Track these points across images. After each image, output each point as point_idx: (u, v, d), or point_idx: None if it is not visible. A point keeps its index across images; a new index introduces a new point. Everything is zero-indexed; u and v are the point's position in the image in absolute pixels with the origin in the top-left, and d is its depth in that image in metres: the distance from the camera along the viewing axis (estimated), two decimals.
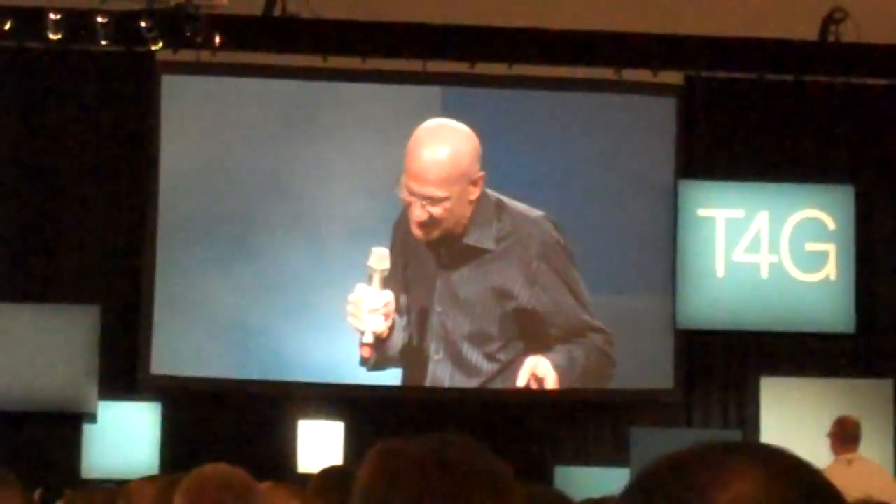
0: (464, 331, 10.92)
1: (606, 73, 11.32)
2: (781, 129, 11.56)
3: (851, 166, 11.54)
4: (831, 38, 11.27)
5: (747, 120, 11.54)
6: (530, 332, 10.95)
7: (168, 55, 11.01)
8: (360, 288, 10.60)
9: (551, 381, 10.87)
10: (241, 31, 10.97)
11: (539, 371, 10.86)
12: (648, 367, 11.20)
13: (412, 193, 10.67)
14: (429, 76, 11.23)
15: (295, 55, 11.16)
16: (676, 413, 11.29)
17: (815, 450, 9.10)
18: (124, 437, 10.69)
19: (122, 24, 10.68)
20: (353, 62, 11.17)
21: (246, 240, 11.06)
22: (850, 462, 8.92)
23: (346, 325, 10.66)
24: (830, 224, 11.34)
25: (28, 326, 10.70)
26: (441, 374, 10.92)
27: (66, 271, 11.07)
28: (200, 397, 10.95)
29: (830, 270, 11.31)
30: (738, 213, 11.30)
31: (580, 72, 11.34)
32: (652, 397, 11.23)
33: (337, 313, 10.68)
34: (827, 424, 9.30)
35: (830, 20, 11.22)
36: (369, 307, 10.56)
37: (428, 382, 10.93)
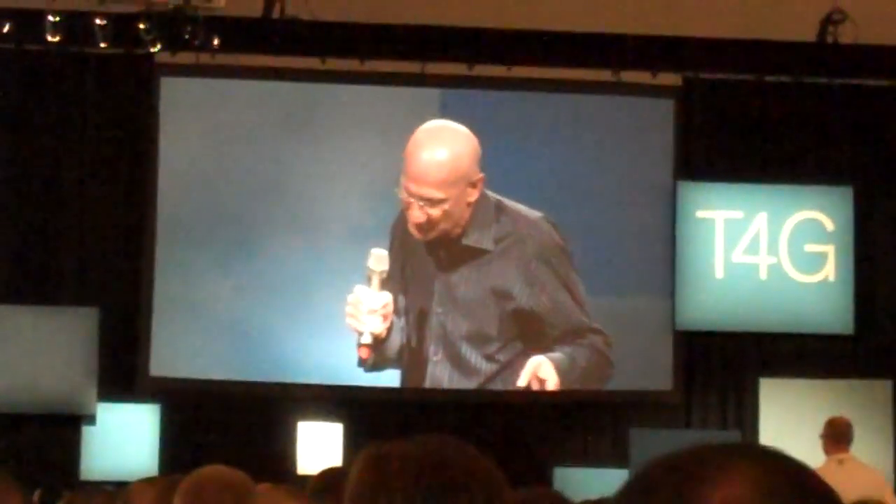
0: (462, 331, 10.92)
1: (605, 75, 11.32)
2: (780, 131, 11.56)
3: (850, 167, 11.55)
4: (830, 40, 11.27)
5: (746, 121, 11.55)
6: (529, 333, 10.96)
7: (167, 57, 11.01)
8: (359, 289, 10.60)
9: (553, 383, 10.87)
10: (240, 33, 10.98)
11: (541, 372, 10.86)
12: (647, 369, 11.20)
13: (411, 195, 10.67)
14: (427, 78, 11.23)
15: (293, 57, 11.16)
16: (675, 414, 11.30)
17: (813, 451, 9.11)
18: (123, 439, 10.69)
19: (121, 26, 10.68)
20: (351, 64, 11.17)
21: (245, 241, 11.07)
22: (841, 462, 8.93)
23: (345, 326, 10.66)
24: (829, 225, 11.34)
25: (27, 328, 10.70)
26: (440, 374, 10.92)
27: (66, 273, 11.07)
28: (200, 399, 10.95)
29: (829, 271, 11.31)
30: (737, 214, 11.31)
31: (579, 73, 11.35)
32: (651, 398, 11.24)
33: (336, 315, 10.68)
34: None
35: (829, 21, 11.22)
36: (368, 308, 10.57)
37: (427, 383, 10.94)
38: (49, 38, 10.65)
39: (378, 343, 10.68)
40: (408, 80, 11.24)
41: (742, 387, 11.32)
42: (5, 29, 10.68)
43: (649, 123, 11.40)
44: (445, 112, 11.07)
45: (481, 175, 10.74)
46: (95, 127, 11.16)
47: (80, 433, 10.73)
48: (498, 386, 10.98)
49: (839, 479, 8.00)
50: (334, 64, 11.17)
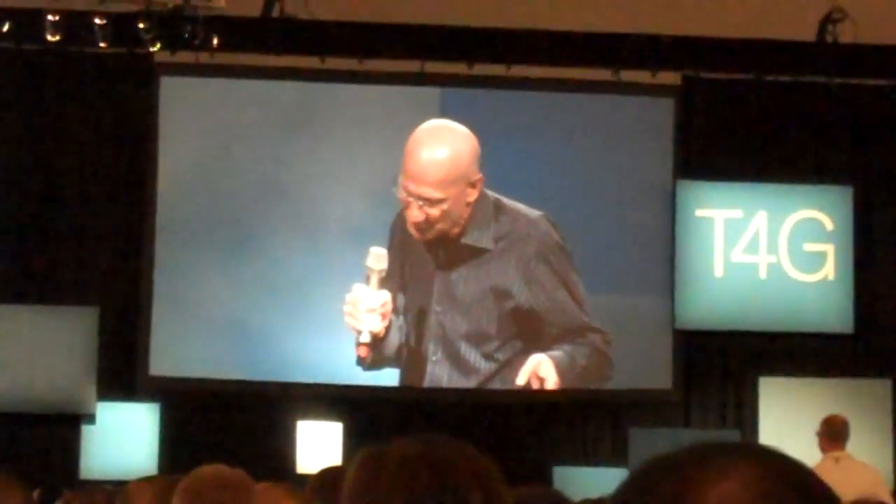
0: (462, 330, 10.92)
1: (604, 74, 11.33)
2: (779, 130, 11.56)
3: (850, 167, 11.55)
4: (829, 39, 11.27)
5: (745, 120, 11.55)
6: (528, 332, 10.96)
7: (166, 56, 11.02)
8: (358, 288, 10.60)
9: (552, 381, 10.87)
10: (239, 33, 10.98)
11: (541, 371, 10.85)
12: (647, 368, 11.20)
13: (409, 194, 10.66)
14: (427, 77, 11.23)
15: (293, 56, 11.16)
16: (675, 413, 11.30)
17: (813, 449, 9.12)
18: (123, 438, 10.70)
19: (121, 25, 10.69)
20: (350, 63, 11.17)
21: (244, 240, 11.07)
22: (837, 460, 8.94)
23: (345, 325, 10.66)
24: (829, 224, 11.34)
25: (27, 327, 10.70)
26: (439, 374, 10.92)
27: (65, 272, 11.07)
28: (199, 398, 10.95)
29: (829, 271, 11.31)
30: (737, 213, 11.31)
31: (578, 73, 11.35)
32: (650, 397, 11.24)
33: (336, 314, 10.68)
34: None
35: (828, 21, 11.22)
36: (366, 307, 10.56)
37: (426, 383, 10.94)
38: (49, 38, 10.66)
39: (377, 342, 10.68)
40: (407, 79, 11.24)
41: (741, 386, 11.32)
42: (5, 28, 10.68)
43: (649, 123, 11.40)
44: (445, 111, 11.07)
45: (480, 175, 10.73)
46: (95, 126, 11.16)
47: (80, 432, 10.73)
48: (497, 385, 10.98)
49: (836, 476, 8.02)
50: (334, 63, 11.17)
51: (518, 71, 11.28)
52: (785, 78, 11.49)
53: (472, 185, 10.70)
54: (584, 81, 11.38)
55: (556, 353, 10.94)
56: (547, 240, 10.94)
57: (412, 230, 10.72)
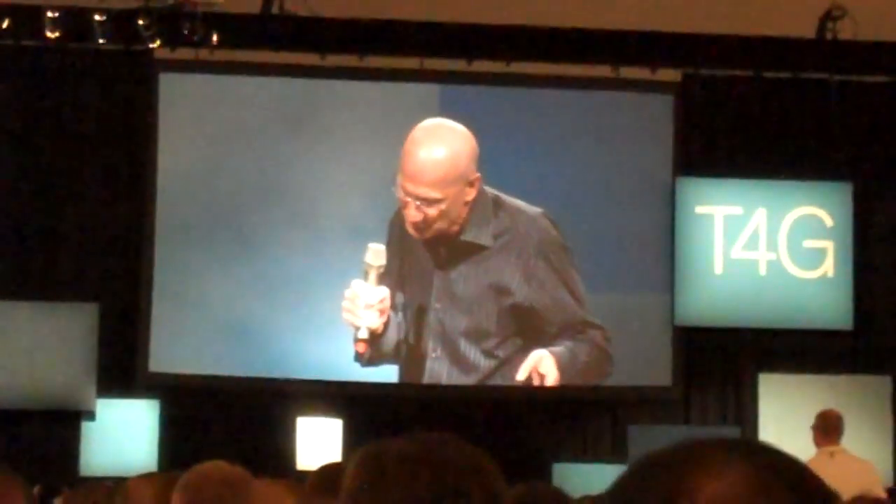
0: (461, 327, 10.92)
1: (604, 71, 11.32)
2: (779, 127, 11.56)
3: (849, 163, 11.55)
4: (829, 36, 11.27)
5: (745, 117, 11.55)
6: (528, 329, 10.96)
7: (166, 53, 11.01)
8: (356, 284, 10.59)
9: (553, 377, 10.87)
10: (239, 29, 10.98)
11: (542, 367, 10.85)
12: (647, 364, 11.20)
13: (407, 194, 10.64)
14: (426, 74, 11.23)
15: (292, 53, 11.16)
16: (675, 410, 11.30)
17: (812, 446, 9.13)
18: (123, 435, 10.70)
19: (120, 22, 10.68)
20: (350, 60, 11.17)
21: (243, 237, 11.06)
22: (832, 454, 8.95)
23: (344, 322, 10.65)
24: (828, 221, 11.34)
25: (27, 324, 10.70)
26: (439, 370, 10.92)
27: (65, 269, 11.07)
28: (199, 395, 10.95)
29: (828, 267, 11.31)
30: (737, 210, 11.30)
31: (578, 69, 11.35)
32: (650, 394, 11.24)
33: (335, 310, 10.68)
34: None
35: (828, 17, 11.23)
36: (365, 303, 10.56)
37: (426, 379, 10.93)
38: (48, 34, 10.65)
39: (375, 338, 10.67)
40: (407, 75, 11.23)
41: (741, 382, 11.32)
42: (4, 25, 10.67)
43: (648, 119, 11.40)
44: (444, 108, 11.06)
45: (478, 174, 10.72)
46: (94, 123, 11.16)
47: (80, 429, 10.73)
48: (497, 382, 10.97)
49: (830, 471, 7.99)
50: (333, 60, 11.17)
51: (517, 67, 11.28)
52: (785, 75, 11.49)
53: (471, 184, 10.68)
54: (584, 78, 11.38)
55: (557, 349, 10.94)
56: (546, 237, 10.93)
57: (411, 230, 10.72)
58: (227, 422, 10.93)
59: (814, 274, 11.29)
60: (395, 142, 10.80)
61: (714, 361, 11.41)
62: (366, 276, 10.53)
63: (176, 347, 10.97)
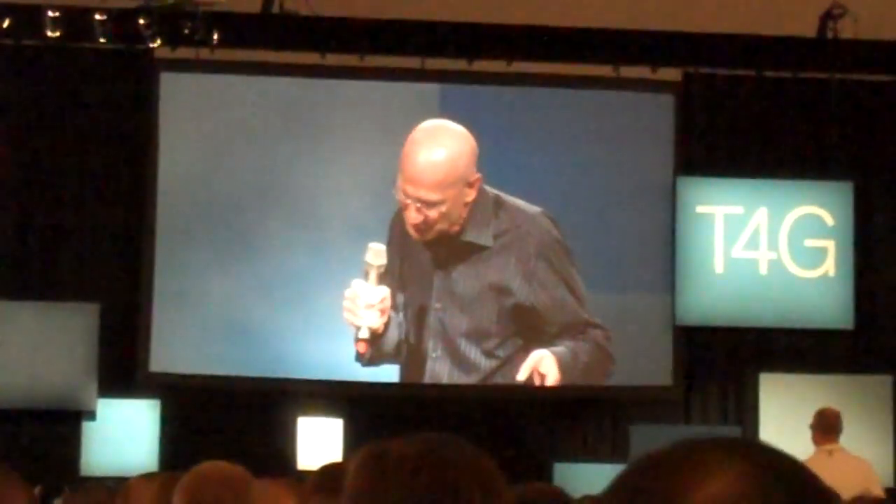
0: (462, 328, 10.91)
1: (605, 70, 11.32)
2: (780, 126, 11.56)
3: (850, 162, 11.55)
4: (830, 35, 11.27)
5: (746, 116, 11.55)
6: (528, 329, 10.95)
7: (166, 52, 11.01)
8: (357, 283, 10.60)
9: (553, 377, 10.86)
10: (240, 29, 10.98)
11: (542, 367, 10.85)
12: (648, 364, 11.20)
13: (407, 196, 10.64)
14: (427, 73, 11.22)
15: (293, 52, 11.16)
16: (676, 410, 11.30)
17: (813, 445, 9.13)
18: (123, 435, 10.70)
19: (121, 21, 10.68)
20: (350, 59, 11.16)
21: (244, 237, 11.06)
22: (830, 453, 8.97)
23: (345, 322, 10.66)
24: (829, 220, 11.34)
25: (28, 324, 10.70)
26: (439, 370, 10.91)
27: (66, 269, 11.07)
28: (200, 395, 10.95)
29: (829, 267, 11.31)
30: (737, 209, 11.30)
31: (578, 69, 11.34)
32: (651, 394, 11.23)
33: (336, 310, 10.68)
34: None
35: (829, 17, 11.22)
36: (365, 303, 10.56)
37: (426, 379, 10.93)
38: (48, 34, 10.65)
39: (375, 338, 10.67)
40: (407, 75, 11.23)
41: (742, 382, 11.32)
42: (5, 24, 10.67)
43: (649, 119, 11.40)
44: (444, 107, 11.06)
45: (478, 175, 10.71)
46: (95, 123, 11.16)
47: (81, 429, 10.73)
48: (498, 382, 10.97)
49: (828, 470, 7.99)
50: (333, 59, 11.17)
51: (518, 67, 11.28)
52: (785, 74, 11.49)
53: (471, 185, 10.68)
54: (585, 77, 11.38)
55: (558, 349, 10.94)
56: (547, 237, 10.93)
57: (411, 231, 10.72)
58: (228, 422, 10.92)
59: (814, 273, 11.29)
60: (395, 141, 10.80)
61: (715, 361, 11.41)
62: (366, 275, 10.54)
63: (176, 347, 10.97)
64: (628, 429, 10.99)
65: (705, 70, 11.49)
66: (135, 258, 11.04)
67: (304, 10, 10.94)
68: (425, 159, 10.66)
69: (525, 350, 10.93)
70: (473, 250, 10.83)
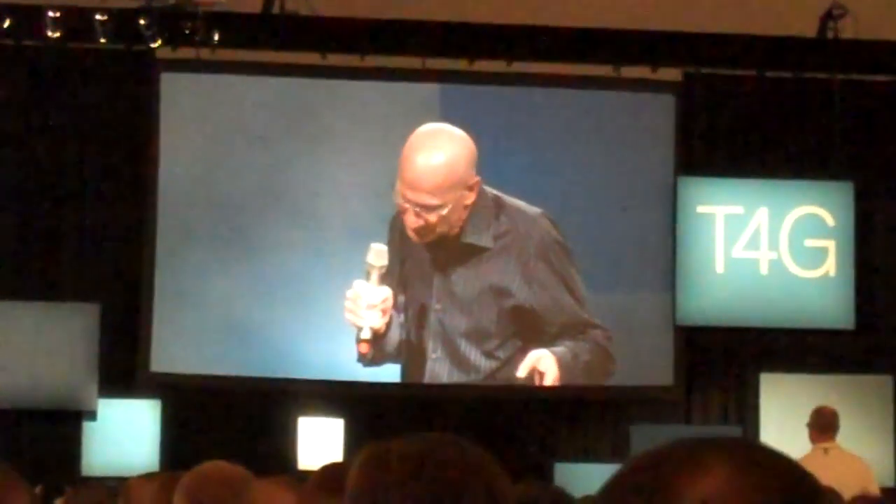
0: (461, 328, 10.91)
1: (605, 70, 11.32)
2: (780, 126, 11.56)
3: (851, 162, 11.54)
4: (830, 35, 11.27)
5: (746, 116, 11.55)
6: (528, 330, 10.95)
7: (167, 52, 11.01)
8: (358, 284, 10.60)
9: (552, 375, 10.86)
10: (240, 29, 10.98)
11: (541, 366, 10.85)
12: (648, 364, 11.20)
13: (406, 201, 10.64)
14: (427, 73, 11.22)
15: (294, 52, 11.16)
16: (676, 410, 11.30)
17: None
18: (124, 435, 10.70)
19: (121, 21, 10.68)
20: (351, 59, 11.16)
21: (245, 237, 11.06)
22: (826, 451, 8.98)
23: (345, 321, 10.65)
24: (830, 220, 11.34)
25: (28, 324, 10.70)
26: (439, 371, 10.91)
27: (66, 269, 11.07)
28: (200, 395, 10.95)
29: (830, 267, 11.31)
30: (738, 209, 11.30)
31: (579, 69, 11.34)
32: (652, 394, 11.23)
33: (336, 310, 10.68)
34: None
35: (829, 17, 11.22)
36: (367, 303, 10.56)
37: (426, 380, 10.93)
38: (49, 34, 10.65)
39: (377, 338, 10.68)
40: (408, 75, 11.23)
41: (743, 382, 11.32)
42: (5, 25, 10.68)
43: (650, 119, 11.40)
44: (445, 107, 11.06)
45: (478, 178, 10.71)
46: (96, 123, 11.16)
47: (81, 429, 10.73)
48: (498, 382, 10.97)
49: (824, 467, 8.04)
50: (334, 59, 11.17)
51: (518, 67, 11.28)
52: (786, 74, 11.49)
53: (470, 188, 10.67)
54: (585, 77, 11.38)
55: (558, 349, 10.94)
56: (547, 237, 10.93)
57: (411, 235, 10.71)
58: (229, 422, 10.93)
59: (815, 273, 11.29)
60: (396, 142, 10.80)
61: (715, 361, 11.41)
62: (368, 276, 10.54)
63: (177, 347, 10.97)
64: (629, 429, 10.99)
65: (706, 70, 11.49)
66: (135, 258, 11.04)
67: (304, 11, 10.94)
68: (424, 164, 10.65)
69: (525, 351, 10.92)
70: (473, 252, 10.83)
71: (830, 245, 11.32)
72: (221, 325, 10.97)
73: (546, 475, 10.35)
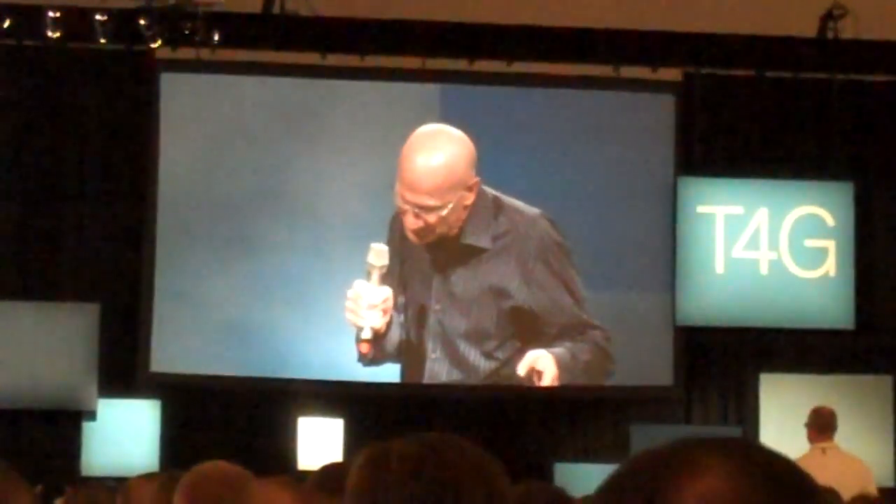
0: (461, 329, 10.91)
1: (605, 70, 11.32)
2: (780, 126, 11.56)
3: (850, 163, 11.55)
4: (830, 35, 11.27)
5: (746, 117, 11.55)
6: (527, 331, 10.95)
7: (167, 53, 11.01)
8: (359, 284, 10.60)
9: (550, 375, 10.86)
10: (240, 29, 10.98)
11: (539, 365, 10.85)
12: (648, 364, 11.20)
13: (406, 202, 10.64)
14: (427, 73, 11.22)
15: (293, 53, 11.16)
16: (676, 409, 11.30)
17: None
18: (124, 435, 10.70)
19: (121, 21, 10.68)
20: (351, 60, 11.16)
21: (244, 237, 11.06)
22: (824, 451, 8.99)
23: (345, 321, 10.66)
24: (830, 220, 11.34)
25: (28, 324, 10.70)
26: (438, 371, 10.91)
27: (66, 269, 11.07)
28: (200, 395, 10.96)
29: (830, 267, 11.31)
30: (738, 209, 11.30)
31: (579, 69, 11.34)
32: (652, 394, 11.23)
33: (336, 310, 10.68)
34: None
35: (829, 17, 11.23)
36: (368, 303, 10.56)
37: (425, 380, 10.93)
38: (49, 34, 10.65)
39: (378, 338, 10.68)
40: (408, 75, 11.23)
41: (742, 382, 11.32)
42: (5, 25, 10.67)
43: (650, 119, 11.39)
44: (445, 107, 11.06)
45: (477, 179, 10.71)
46: (96, 123, 11.16)
47: (81, 429, 10.73)
48: (497, 383, 10.97)
49: (821, 467, 8.05)
50: (334, 59, 11.17)
51: (518, 67, 11.27)
52: (786, 74, 11.49)
53: (469, 188, 10.67)
54: (585, 77, 11.37)
55: (557, 349, 10.94)
56: (545, 238, 10.92)
57: (411, 236, 10.71)
58: (228, 422, 10.93)
59: (815, 273, 11.29)
60: (395, 142, 10.80)
61: (715, 361, 11.41)
62: (368, 276, 10.54)
63: (177, 347, 10.96)
64: (629, 429, 10.99)
65: (706, 70, 11.49)
66: (135, 258, 11.04)
67: (304, 11, 10.94)
68: (423, 165, 10.66)
69: (524, 352, 10.92)
70: (472, 253, 10.83)
71: (830, 245, 11.32)
72: (221, 325, 10.97)
73: (546, 475, 10.35)
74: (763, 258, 11.28)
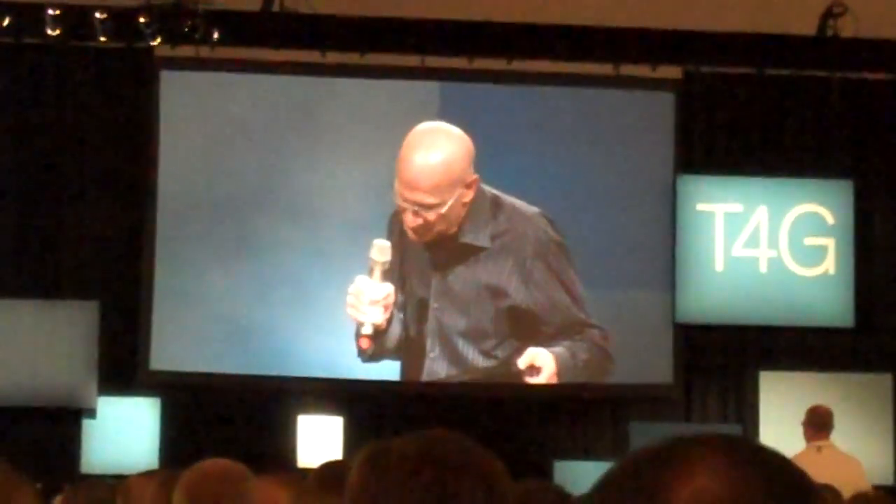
0: (459, 327, 10.91)
1: (605, 69, 11.32)
2: (780, 124, 11.56)
3: (850, 161, 11.55)
4: (830, 33, 11.27)
5: (746, 115, 11.54)
6: (525, 330, 10.94)
7: (166, 51, 11.01)
8: (361, 280, 10.60)
9: (549, 372, 10.86)
10: (240, 27, 10.97)
11: (538, 361, 10.85)
12: (647, 362, 11.19)
13: (405, 200, 10.64)
14: (427, 71, 11.22)
15: (293, 50, 11.16)
16: (675, 408, 11.30)
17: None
18: (124, 433, 10.70)
19: (121, 19, 10.68)
20: (351, 57, 11.16)
21: (244, 235, 11.06)
22: (819, 449, 8.99)
23: (345, 319, 10.66)
24: (829, 218, 11.34)
25: (28, 322, 10.70)
26: (437, 370, 10.92)
27: (66, 267, 11.07)
28: (200, 393, 10.95)
29: (829, 265, 11.31)
30: (737, 207, 11.30)
31: (579, 67, 11.34)
32: (651, 392, 11.23)
33: (336, 308, 10.68)
34: None
35: (829, 15, 11.22)
36: (370, 299, 10.57)
37: (424, 378, 10.93)
38: (49, 32, 10.65)
39: (379, 334, 10.69)
40: (407, 73, 11.23)
41: (742, 380, 11.32)
42: (5, 23, 10.67)
43: (649, 117, 11.39)
44: (444, 105, 11.06)
45: (475, 176, 10.71)
46: (96, 121, 11.16)
47: (81, 427, 10.73)
48: (497, 381, 10.97)
49: (816, 465, 8.05)
50: (334, 57, 11.17)
51: (518, 65, 11.27)
52: (786, 72, 11.49)
53: (468, 186, 10.67)
54: (585, 76, 11.37)
55: (556, 348, 10.95)
56: (544, 237, 10.92)
57: (410, 234, 10.72)
58: (228, 420, 10.93)
59: (815, 271, 11.29)
60: (395, 140, 10.80)
61: (715, 359, 11.41)
62: (371, 272, 10.55)
63: (177, 345, 10.97)
64: (628, 427, 10.99)
65: (706, 68, 11.49)
66: (135, 256, 11.04)
67: (304, 8, 10.94)
68: (421, 163, 10.66)
69: (522, 351, 10.92)
70: (471, 251, 10.83)
71: (830, 243, 11.32)
72: (221, 323, 10.97)
73: (546, 473, 10.35)
74: (763, 256, 11.28)
